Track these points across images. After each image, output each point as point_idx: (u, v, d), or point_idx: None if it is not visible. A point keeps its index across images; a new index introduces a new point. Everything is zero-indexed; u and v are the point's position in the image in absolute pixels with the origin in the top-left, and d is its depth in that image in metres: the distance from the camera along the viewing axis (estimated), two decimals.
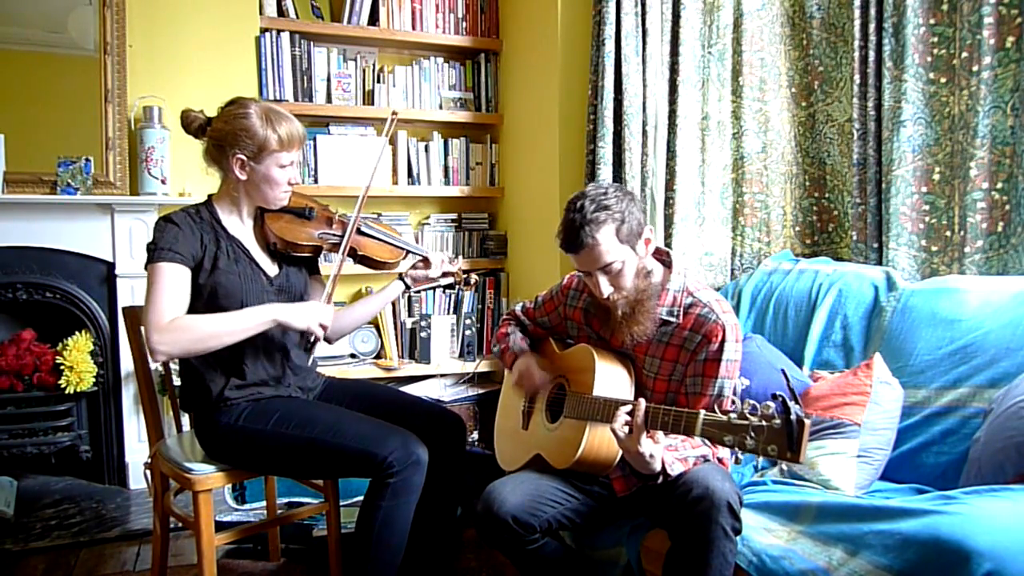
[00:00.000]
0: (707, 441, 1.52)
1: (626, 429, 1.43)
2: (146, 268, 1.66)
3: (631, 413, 1.43)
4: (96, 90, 2.83)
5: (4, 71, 2.77)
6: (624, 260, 1.57)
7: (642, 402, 1.43)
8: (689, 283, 1.64)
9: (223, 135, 1.71)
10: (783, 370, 1.48)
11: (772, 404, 1.24)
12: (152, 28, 2.90)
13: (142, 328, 1.63)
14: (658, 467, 1.44)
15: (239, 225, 1.80)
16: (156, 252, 1.63)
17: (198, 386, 1.73)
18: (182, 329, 1.58)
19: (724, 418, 1.30)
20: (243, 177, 1.73)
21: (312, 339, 1.76)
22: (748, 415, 1.27)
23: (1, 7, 2.76)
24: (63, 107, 2.85)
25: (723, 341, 1.56)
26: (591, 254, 1.55)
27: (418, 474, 1.65)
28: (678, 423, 1.37)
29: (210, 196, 1.81)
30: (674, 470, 1.46)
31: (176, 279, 1.63)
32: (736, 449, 1.28)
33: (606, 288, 1.58)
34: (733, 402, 1.56)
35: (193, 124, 1.77)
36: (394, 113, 2.02)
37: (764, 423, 1.24)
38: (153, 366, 2.06)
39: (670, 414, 1.38)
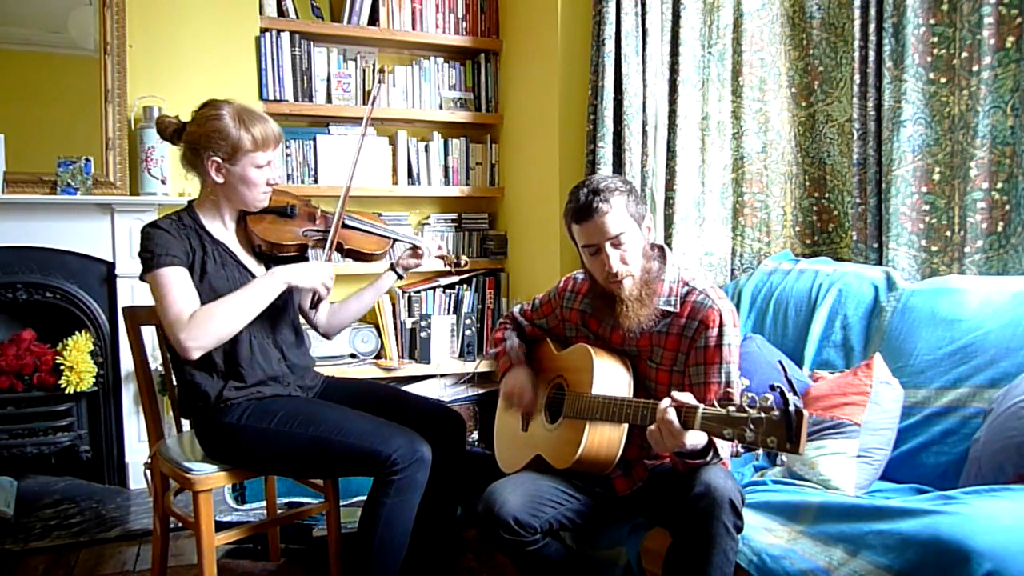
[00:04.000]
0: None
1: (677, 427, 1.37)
2: (144, 278, 1.64)
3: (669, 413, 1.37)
4: (96, 90, 2.82)
5: (4, 71, 2.77)
6: (633, 235, 1.58)
7: (668, 401, 1.38)
8: (684, 274, 1.66)
9: (197, 138, 1.70)
10: (779, 362, 1.48)
11: (770, 396, 1.23)
12: (152, 28, 2.90)
13: (168, 336, 1.60)
14: (704, 440, 1.40)
15: (223, 230, 1.79)
16: (154, 259, 1.62)
17: (194, 392, 1.72)
18: (205, 319, 1.58)
19: (723, 411, 1.29)
20: (220, 180, 1.71)
21: (316, 298, 1.79)
22: (747, 407, 1.26)
23: (1, 7, 2.75)
24: (63, 107, 2.85)
25: (721, 325, 1.57)
26: (603, 221, 1.56)
27: (422, 471, 1.66)
28: (676, 417, 1.36)
29: (191, 202, 1.79)
30: (724, 452, 1.48)
31: (181, 280, 1.63)
32: (736, 442, 1.27)
33: (616, 263, 1.57)
34: (742, 393, 1.55)
35: (168, 129, 1.76)
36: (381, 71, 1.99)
37: (763, 415, 1.23)
38: (153, 366, 2.06)
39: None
